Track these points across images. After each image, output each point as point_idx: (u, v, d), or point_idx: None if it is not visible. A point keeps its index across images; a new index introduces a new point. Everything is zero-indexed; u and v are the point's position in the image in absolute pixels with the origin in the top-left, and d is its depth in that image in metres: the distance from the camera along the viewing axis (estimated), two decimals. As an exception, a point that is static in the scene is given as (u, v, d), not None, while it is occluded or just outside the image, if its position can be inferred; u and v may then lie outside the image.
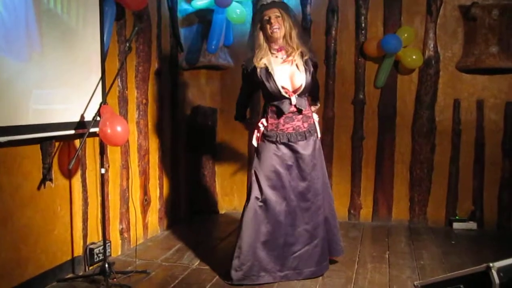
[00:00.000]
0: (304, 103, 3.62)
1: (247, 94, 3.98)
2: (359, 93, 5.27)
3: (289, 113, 3.58)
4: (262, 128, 3.66)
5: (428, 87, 5.09)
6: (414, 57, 4.93)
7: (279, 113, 3.60)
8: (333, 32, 5.29)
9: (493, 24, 4.83)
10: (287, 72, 3.59)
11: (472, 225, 5.01)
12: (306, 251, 3.62)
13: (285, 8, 3.63)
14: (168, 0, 5.00)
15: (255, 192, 3.59)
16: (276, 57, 3.63)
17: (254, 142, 3.69)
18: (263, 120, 3.67)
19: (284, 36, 3.59)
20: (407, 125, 5.19)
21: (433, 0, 5.01)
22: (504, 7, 4.78)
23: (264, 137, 3.64)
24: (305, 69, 3.60)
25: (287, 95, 3.56)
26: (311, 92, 3.80)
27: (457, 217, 5.09)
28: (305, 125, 3.63)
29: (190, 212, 5.56)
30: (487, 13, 4.81)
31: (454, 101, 5.07)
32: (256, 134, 3.69)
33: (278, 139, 3.59)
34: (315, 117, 3.76)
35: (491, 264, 2.07)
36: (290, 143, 3.59)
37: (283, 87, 3.55)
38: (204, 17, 5.26)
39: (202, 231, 4.99)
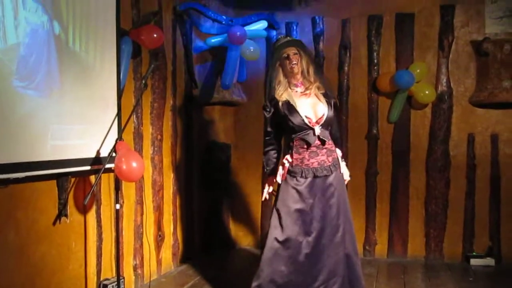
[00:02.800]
0: (327, 134, 3.57)
1: (275, 134, 3.75)
2: (372, 128, 5.28)
3: (313, 146, 3.51)
4: (287, 165, 3.56)
5: (441, 121, 5.10)
6: (427, 92, 4.95)
7: (304, 145, 3.53)
8: (346, 68, 5.34)
9: (505, 59, 4.86)
10: (309, 103, 3.59)
11: (489, 261, 4.92)
12: None
13: (301, 46, 3.69)
14: (183, 38, 5.10)
15: (276, 232, 3.52)
16: (296, 91, 3.64)
17: (279, 179, 3.61)
18: (288, 156, 3.58)
19: (302, 72, 3.63)
20: (421, 160, 5.17)
21: (445, 36, 5.05)
22: (515, 42, 4.82)
23: (289, 173, 3.55)
24: (327, 102, 3.60)
25: (310, 125, 3.52)
26: (332, 130, 3.73)
27: (474, 253, 5.02)
28: (330, 159, 3.56)
29: (204, 248, 5.54)
30: (499, 48, 4.85)
31: (468, 135, 5.06)
32: (280, 171, 3.60)
33: (303, 174, 3.51)
34: (339, 152, 3.69)
35: (509, 300, 2.04)
36: (314, 179, 3.51)
37: (306, 117, 3.52)
38: (218, 54, 5.35)
39: (216, 267, 4.96)
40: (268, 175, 3.77)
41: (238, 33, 4.82)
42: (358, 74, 5.32)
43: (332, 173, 3.56)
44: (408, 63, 5.12)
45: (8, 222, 3.05)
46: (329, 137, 3.61)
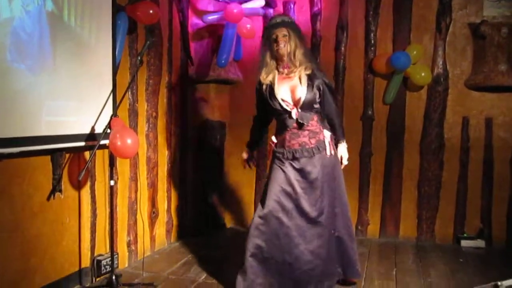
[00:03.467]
0: (307, 117, 3.57)
1: (260, 116, 3.95)
2: (367, 109, 5.28)
3: (294, 128, 3.59)
4: (273, 146, 3.72)
5: (436, 104, 5.10)
6: (423, 74, 4.94)
7: (284, 128, 3.63)
8: (343, 48, 5.32)
9: (502, 42, 4.84)
10: (288, 86, 3.61)
11: (480, 243, 4.98)
12: (306, 272, 3.54)
13: (293, 27, 3.65)
14: (179, 15, 5.05)
15: (259, 208, 3.61)
16: (281, 73, 3.66)
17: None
18: (273, 137, 3.73)
19: (289, 54, 3.60)
20: (415, 142, 5.19)
21: (442, 18, 5.03)
22: (513, 25, 4.81)
23: (274, 153, 3.69)
24: (308, 84, 3.57)
25: (288, 109, 3.57)
26: (326, 112, 3.72)
27: (465, 235, 5.07)
28: (313, 141, 3.59)
29: (198, 226, 5.56)
30: (496, 31, 4.83)
31: (462, 118, 5.07)
32: (270, 150, 3.73)
33: (285, 155, 3.60)
34: (326, 134, 3.68)
35: (499, 283, 2.07)
36: (294, 160, 3.58)
37: (283, 100, 3.57)
38: (214, 31, 5.31)
39: (209, 245, 4.99)
40: (246, 146, 4.04)
41: (235, 10, 4.78)
42: (355, 55, 5.31)
43: (314, 155, 3.58)
44: (405, 44, 5.11)
45: (3, 197, 3.06)
46: (313, 121, 3.61)
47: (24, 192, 3.22)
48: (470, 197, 5.09)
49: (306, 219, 3.56)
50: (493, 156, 5.02)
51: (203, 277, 4.04)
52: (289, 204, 3.56)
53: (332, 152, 3.68)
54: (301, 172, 3.58)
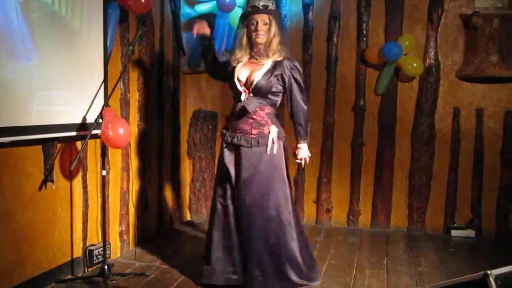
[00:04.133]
0: (254, 105, 3.44)
1: (216, 64, 3.82)
2: (359, 99, 5.29)
3: (239, 112, 3.48)
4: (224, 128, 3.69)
5: (428, 94, 5.12)
6: (414, 64, 4.95)
7: (233, 110, 3.57)
8: (335, 38, 5.32)
9: (493, 34, 4.86)
10: (249, 69, 3.52)
11: (470, 232, 5.02)
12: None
13: (275, 15, 3.52)
14: (171, 4, 5.03)
15: (214, 193, 3.67)
16: (252, 57, 3.56)
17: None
18: (228, 115, 3.73)
19: (265, 44, 3.49)
20: (407, 132, 5.21)
21: (434, 9, 5.04)
22: (504, 16, 4.82)
23: (222, 134, 3.66)
24: (268, 70, 3.45)
25: (240, 90, 3.51)
26: (294, 116, 3.59)
27: (455, 225, 5.11)
28: (254, 132, 3.45)
29: (190, 215, 5.58)
30: (488, 23, 4.84)
31: (453, 109, 5.09)
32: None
33: (226, 138, 3.56)
34: (273, 130, 3.46)
35: (488, 272, 2.08)
36: (233, 143, 3.52)
37: (238, 79, 3.51)
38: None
39: (201, 234, 5.00)
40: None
41: (227, 0, 4.76)
42: (347, 45, 5.30)
43: (251, 147, 3.45)
44: (397, 35, 5.11)
45: (-6, 187, 3.05)
46: (262, 109, 3.47)
47: (15, 182, 3.21)
48: (461, 188, 5.12)
49: (244, 209, 3.46)
50: (484, 146, 5.05)
51: (195, 266, 4.04)
52: (230, 190, 3.53)
53: (274, 152, 3.46)
54: (241, 160, 3.47)
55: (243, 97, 3.48)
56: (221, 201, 3.57)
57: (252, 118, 3.47)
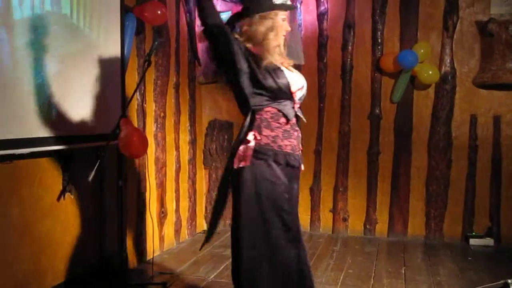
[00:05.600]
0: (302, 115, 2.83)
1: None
2: (375, 108, 5.28)
3: (293, 125, 2.75)
4: (252, 144, 2.63)
5: (444, 102, 5.09)
6: (430, 72, 4.94)
7: (278, 119, 2.68)
8: (350, 47, 5.32)
9: (509, 40, 4.83)
10: (291, 72, 2.77)
11: (489, 241, 4.97)
12: None
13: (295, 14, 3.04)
14: (187, 15, 5.07)
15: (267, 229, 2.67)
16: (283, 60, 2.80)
17: (240, 164, 2.64)
18: (256, 133, 2.64)
19: (283, 45, 2.81)
20: (423, 140, 5.18)
21: (449, 16, 5.03)
22: (521, 23, 4.80)
23: (256, 154, 2.62)
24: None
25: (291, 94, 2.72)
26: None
27: (473, 233, 5.06)
28: (300, 148, 2.83)
29: (206, 225, 5.59)
30: (504, 29, 4.82)
31: (470, 116, 5.06)
32: (241, 153, 2.64)
33: (277, 158, 2.64)
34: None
35: (509, 281, 2.07)
36: (287, 164, 2.69)
37: (289, 82, 2.69)
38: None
39: (217, 245, 5.00)
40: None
41: (242, 10, 4.78)
42: (362, 54, 5.30)
43: (300, 166, 2.83)
44: (412, 43, 5.10)
45: (13, 198, 3.09)
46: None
47: (34, 193, 3.24)
48: (479, 196, 5.07)
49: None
50: (502, 154, 5.00)
51: (213, 276, 4.05)
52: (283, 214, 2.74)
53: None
54: (290, 182, 2.78)
55: (294, 106, 2.75)
56: (280, 233, 2.66)
57: (297, 131, 2.80)
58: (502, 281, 2.04)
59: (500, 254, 4.77)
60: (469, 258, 4.59)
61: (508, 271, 4.02)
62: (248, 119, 2.69)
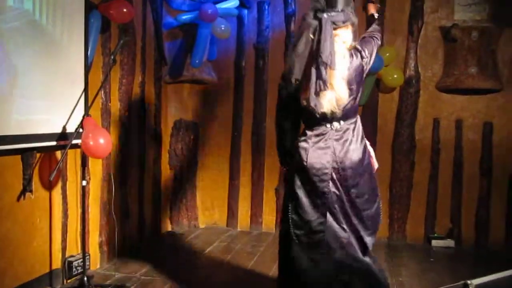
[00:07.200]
0: None
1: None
2: (340, 110, 5.30)
3: None
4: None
5: (408, 105, 5.17)
6: (395, 76, 5.00)
7: None
8: (316, 49, 5.33)
9: (472, 46, 4.93)
10: None
11: (450, 242, 5.06)
12: None
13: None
14: (153, 14, 5.02)
15: None
16: None
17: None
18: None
19: None
20: (387, 142, 5.24)
21: (414, 21, 5.10)
22: (483, 29, 4.90)
23: None
24: None
25: None
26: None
27: (435, 235, 5.15)
28: None
29: (170, 226, 5.54)
30: (467, 35, 4.92)
31: (433, 120, 5.15)
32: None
33: None
34: None
35: (468, 282, 2.10)
36: None
37: None
38: (188, 31, 5.28)
39: (181, 245, 4.96)
40: None
41: (209, 10, 4.76)
42: (329, 56, 5.32)
43: None
44: (379, 47, 5.14)
45: (-29, 197, 3.00)
46: None
47: (-6, 192, 3.16)
48: (441, 198, 5.16)
49: None
50: (463, 157, 5.10)
51: (176, 277, 4.01)
52: None
53: None
54: None
55: None
56: None
57: None
58: (462, 282, 2.08)
59: (460, 255, 4.86)
60: (431, 259, 4.66)
61: (468, 271, 4.10)
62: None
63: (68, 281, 3.79)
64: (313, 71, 2.70)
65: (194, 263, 4.42)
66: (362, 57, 2.93)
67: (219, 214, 5.73)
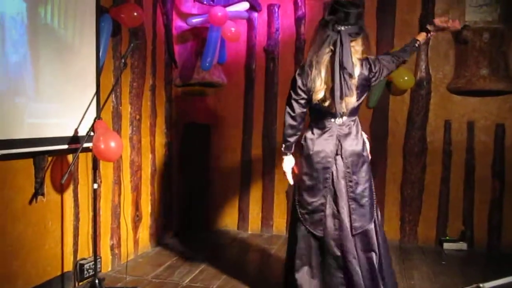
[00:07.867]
0: None
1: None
2: (351, 112, 5.29)
3: None
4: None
5: (419, 107, 5.15)
6: (406, 78, 4.98)
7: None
8: (327, 52, 5.33)
9: (483, 47, 4.90)
10: None
11: (462, 245, 5.02)
12: None
13: None
14: (163, 17, 5.04)
15: None
16: None
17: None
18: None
19: None
20: (398, 145, 5.22)
21: (425, 22, 5.07)
22: (494, 30, 4.87)
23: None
24: None
25: None
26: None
27: (447, 237, 5.11)
28: None
29: (182, 229, 5.55)
30: (478, 36, 4.89)
31: (445, 122, 5.12)
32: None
33: None
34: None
35: (481, 285, 2.09)
36: None
37: None
38: (198, 34, 5.30)
39: (193, 248, 4.97)
40: None
41: (219, 13, 4.78)
42: (339, 58, 5.32)
43: None
44: (389, 48, 5.13)
45: (-16, 200, 3.02)
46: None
47: (6, 195, 3.18)
48: (452, 200, 5.13)
49: None
50: (475, 159, 5.07)
51: (187, 280, 4.02)
52: None
53: None
54: None
55: None
56: None
57: None
58: (474, 285, 2.06)
59: (473, 258, 4.82)
60: (443, 262, 4.63)
61: (480, 275, 4.07)
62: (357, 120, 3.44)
63: (80, 283, 3.80)
64: (338, 79, 3.10)
65: (206, 266, 4.41)
66: (370, 70, 3.26)
67: (230, 217, 5.73)
